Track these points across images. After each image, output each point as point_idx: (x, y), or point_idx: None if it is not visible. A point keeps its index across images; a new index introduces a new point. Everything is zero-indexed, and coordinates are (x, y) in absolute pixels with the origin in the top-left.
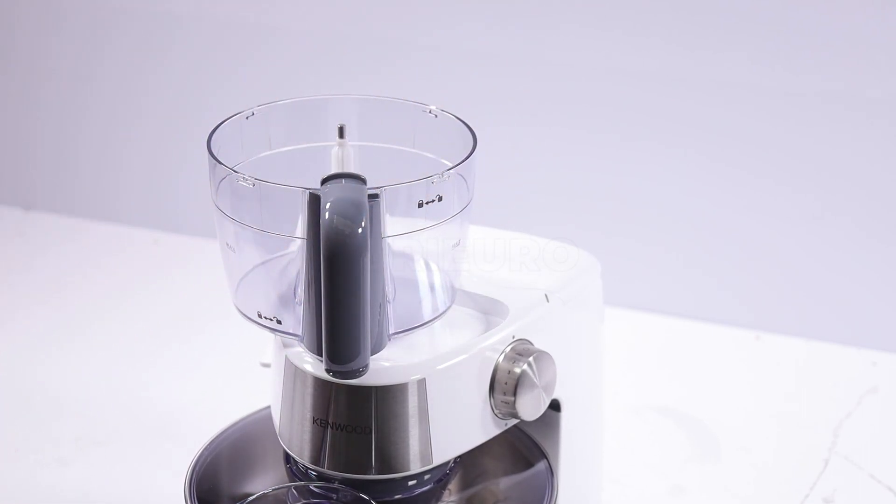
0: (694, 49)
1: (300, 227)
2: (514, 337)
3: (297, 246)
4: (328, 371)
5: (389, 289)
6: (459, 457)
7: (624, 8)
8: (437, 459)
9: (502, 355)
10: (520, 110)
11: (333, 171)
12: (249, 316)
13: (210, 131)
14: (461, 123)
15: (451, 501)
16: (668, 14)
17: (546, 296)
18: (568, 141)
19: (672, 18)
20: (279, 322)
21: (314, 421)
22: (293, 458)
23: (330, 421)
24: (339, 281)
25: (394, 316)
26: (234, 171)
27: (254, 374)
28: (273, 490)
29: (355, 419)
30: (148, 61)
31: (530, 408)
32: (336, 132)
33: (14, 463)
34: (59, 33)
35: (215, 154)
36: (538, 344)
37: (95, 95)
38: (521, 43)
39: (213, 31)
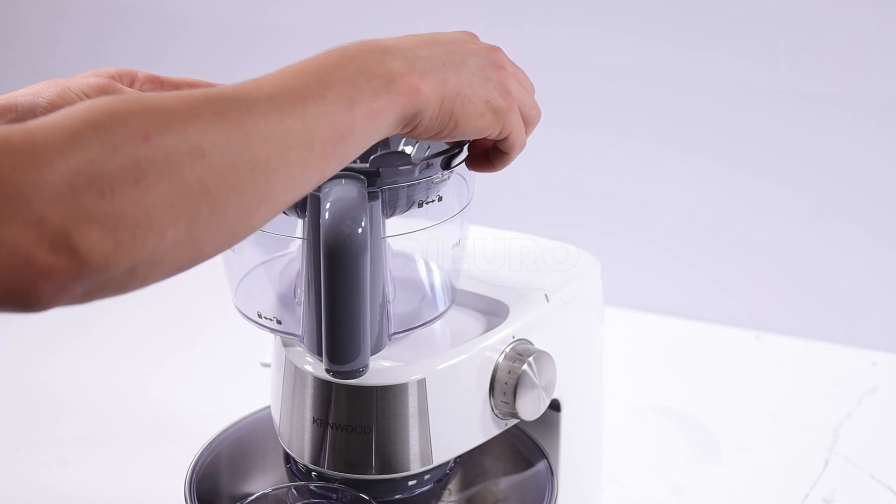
0: (694, 49)
1: (300, 227)
2: (514, 337)
3: (297, 246)
4: (328, 371)
5: (389, 289)
6: (459, 457)
7: (624, 8)
8: (437, 459)
9: (502, 355)
10: None
11: None
12: (249, 316)
13: None
14: None
15: (451, 501)
16: (668, 14)
17: (546, 296)
18: (568, 141)
19: (673, 18)
20: (279, 322)
21: (314, 421)
22: (293, 458)
23: (330, 421)
24: (339, 281)
25: (394, 316)
26: None
27: (254, 374)
28: (273, 490)
29: (355, 419)
30: (148, 61)
31: (530, 408)
32: None
33: (15, 463)
34: (59, 33)
35: None
36: (538, 344)
37: None
38: (522, 43)
39: (214, 30)
